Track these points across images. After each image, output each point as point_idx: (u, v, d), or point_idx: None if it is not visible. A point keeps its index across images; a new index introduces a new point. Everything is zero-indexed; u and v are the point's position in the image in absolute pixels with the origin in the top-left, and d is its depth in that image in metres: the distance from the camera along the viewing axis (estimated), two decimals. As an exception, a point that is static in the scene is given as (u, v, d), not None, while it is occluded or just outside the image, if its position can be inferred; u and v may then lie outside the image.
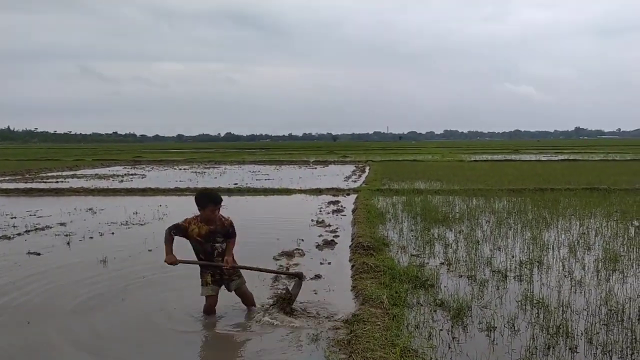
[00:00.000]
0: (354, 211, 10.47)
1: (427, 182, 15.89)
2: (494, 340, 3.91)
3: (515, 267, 5.89)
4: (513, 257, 6.35)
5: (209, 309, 4.57)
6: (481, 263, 6.07)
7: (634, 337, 3.83)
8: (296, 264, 6.35)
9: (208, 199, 4.46)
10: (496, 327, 4.11)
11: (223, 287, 4.63)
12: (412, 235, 7.74)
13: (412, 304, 4.67)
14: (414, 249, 6.92)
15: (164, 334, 4.23)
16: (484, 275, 5.61)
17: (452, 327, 4.15)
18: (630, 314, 4.32)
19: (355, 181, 17.90)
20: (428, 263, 6.13)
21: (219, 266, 4.48)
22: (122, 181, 18.92)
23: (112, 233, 8.52)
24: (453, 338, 3.94)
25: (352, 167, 25.81)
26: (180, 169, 25.99)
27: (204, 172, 23.24)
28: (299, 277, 4.86)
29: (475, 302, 4.69)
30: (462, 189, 13.39)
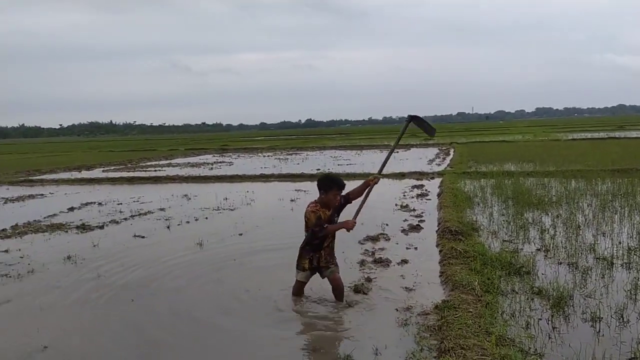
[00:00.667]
0: (439, 195, 10.18)
1: (518, 163, 14.99)
2: (599, 331, 3.63)
3: (622, 254, 5.40)
4: (620, 243, 5.82)
5: (297, 291, 4.65)
6: (583, 249, 5.63)
7: None
8: (382, 249, 6.32)
9: (334, 182, 4.46)
10: (602, 318, 3.81)
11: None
12: (503, 220, 7.36)
13: (507, 291, 4.46)
14: (505, 234, 6.59)
15: (256, 313, 4.43)
16: (587, 262, 5.20)
17: (552, 316, 3.91)
18: None
19: (439, 164, 17.37)
20: (522, 249, 5.80)
21: (344, 226, 4.42)
22: (211, 169, 19.97)
23: (206, 218, 9.04)
24: (553, 328, 3.72)
25: (435, 150, 25.06)
26: (264, 156, 26.87)
27: (287, 159, 23.83)
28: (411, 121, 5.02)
29: (578, 291, 4.38)
30: (559, 170, 12.45)
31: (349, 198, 4.61)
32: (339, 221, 4.58)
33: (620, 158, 14.87)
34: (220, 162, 23.42)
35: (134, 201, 11.39)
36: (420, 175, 14.09)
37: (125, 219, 9.19)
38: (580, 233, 6.35)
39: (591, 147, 20.26)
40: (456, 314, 3.80)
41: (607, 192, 9.17)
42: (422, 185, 12.05)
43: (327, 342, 3.83)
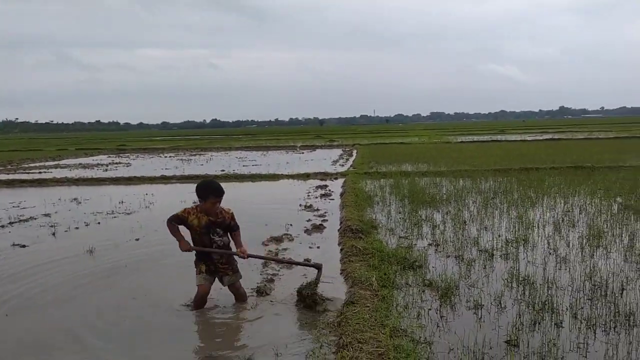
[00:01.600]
0: (342, 195, 10.49)
1: (415, 164, 15.95)
2: (481, 317, 3.98)
3: (501, 246, 5.97)
4: (499, 236, 6.43)
5: (200, 299, 4.39)
6: (468, 243, 6.14)
7: (616, 310, 3.92)
8: (285, 249, 6.35)
9: (209, 190, 4.25)
10: (483, 305, 4.17)
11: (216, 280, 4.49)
12: (400, 218, 7.78)
13: (401, 285, 4.71)
14: (402, 230, 6.97)
15: (150, 322, 4.22)
16: (471, 254, 5.67)
17: (440, 306, 4.20)
18: (613, 288, 4.41)
19: (342, 165, 17.91)
20: (416, 244, 6.18)
21: (236, 254, 4.37)
22: (106, 170, 18.68)
23: (98, 223, 8.43)
24: (441, 317, 4.00)
25: (339, 151, 25.79)
26: (166, 157, 25.74)
27: (190, 160, 23.05)
28: (318, 269, 4.56)
29: (463, 281, 4.75)
30: (449, 170, 13.47)
31: (233, 234, 4.43)
32: (237, 240, 4.41)
33: (501, 159, 16.47)
34: (116, 163, 21.99)
35: (13, 206, 10.28)
36: (324, 175, 14.41)
37: (3, 226, 8.25)
38: (466, 228, 6.91)
39: (477, 149, 22.18)
40: (354, 309, 3.94)
41: (490, 189, 10.10)
42: (326, 186, 12.33)
43: (226, 347, 3.75)
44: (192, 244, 4.39)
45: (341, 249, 6.14)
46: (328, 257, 5.95)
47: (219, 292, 4.62)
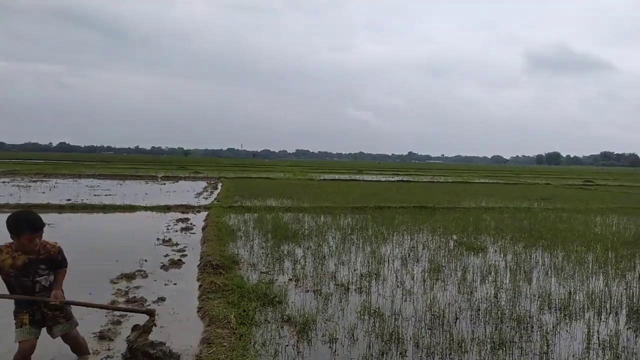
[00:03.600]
0: (204, 229, 10.16)
1: (279, 199, 16.22)
2: (335, 350, 4.11)
3: (356, 279, 6.30)
4: (355, 270, 6.79)
5: (23, 359, 3.57)
6: (327, 277, 6.37)
7: (451, 338, 4.38)
8: (137, 287, 5.88)
9: (23, 223, 3.53)
10: (338, 338, 4.33)
11: (44, 331, 3.73)
12: (262, 253, 7.78)
13: (260, 321, 4.67)
14: (264, 266, 6.97)
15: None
16: (329, 289, 5.89)
17: (297, 341, 4.25)
18: (449, 317, 4.93)
19: (206, 198, 17.42)
20: (277, 279, 6.21)
21: (44, 301, 3.62)
22: None
23: None
24: (298, 352, 4.04)
25: (204, 184, 25.10)
26: (-1, 182, 22.36)
27: (29, 186, 20.32)
28: (150, 315, 4.00)
29: (320, 316, 4.89)
30: (312, 207, 13.97)
31: (58, 270, 3.75)
32: (57, 279, 3.71)
33: (359, 197, 17.61)
34: None
35: None
36: (186, 208, 13.84)
37: None
38: (325, 263, 7.18)
39: (338, 187, 23.45)
40: (210, 350, 3.78)
41: (348, 226, 10.69)
42: (188, 219, 11.84)
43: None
44: (7, 291, 3.63)
45: (200, 285, 5.90)
46: (185, 294, 5.66)
47: (48, 344, 3.84)
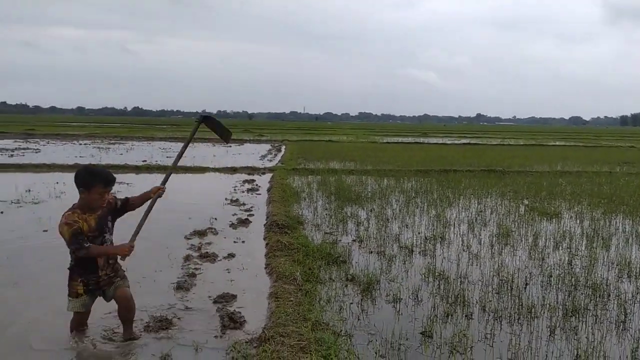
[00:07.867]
0: (269, 190, 10.43)
1: (342, 162, 16.24)
2: (399, 310, 4.14)
3: (420, 242, 6.25)
4: (419, 233, 6.72)
5: (78, 326, 3.56)
6: (390, 239, 6.36)
7: (520, 303, 4.26)
8: (209, 243, 6.20)
9: (98, 177, 3.40)
10: (402, 299, 4.34)
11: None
12: (326, 214, 7.89)
13: (325, 279, 4.78)
14: (327, 227, 7.07)
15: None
16: (392, 251, 5.89)
17: (361, 300, 4.32)
18: (518, 283, 4.78)
19: (271, 160, 17.81)
20: (341, 240, 6.29)
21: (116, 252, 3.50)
22: (12, 155, 17.14)
23: (1, 212, 7.71)
24: (362, 310, 4.11)
25: (268, 146, 25.62)
26: (81, 144, 24.11)
27: (109, 148, 21.77)
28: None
29: (384, 276, 4.92)
30: (375, 170, 13.87)
31: (128, 202, 3.69)
32: (111, 235, 3.58)
33: (423, 160, 17.24)
34: (23, 149, 20.25)
35: None
36: (252, 170, 14.25)
37: None
38: (389, 225, 7.16)
39: (401, 150, 23.05)
40: (278, 303, 3.94)
41: (412, 189, 10.54)
42: (254, 180, 12.20)
43: (144, 337, 3.58)
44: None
45: (266, 244, 6.11)
46: (253, 251, 5.90)
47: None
